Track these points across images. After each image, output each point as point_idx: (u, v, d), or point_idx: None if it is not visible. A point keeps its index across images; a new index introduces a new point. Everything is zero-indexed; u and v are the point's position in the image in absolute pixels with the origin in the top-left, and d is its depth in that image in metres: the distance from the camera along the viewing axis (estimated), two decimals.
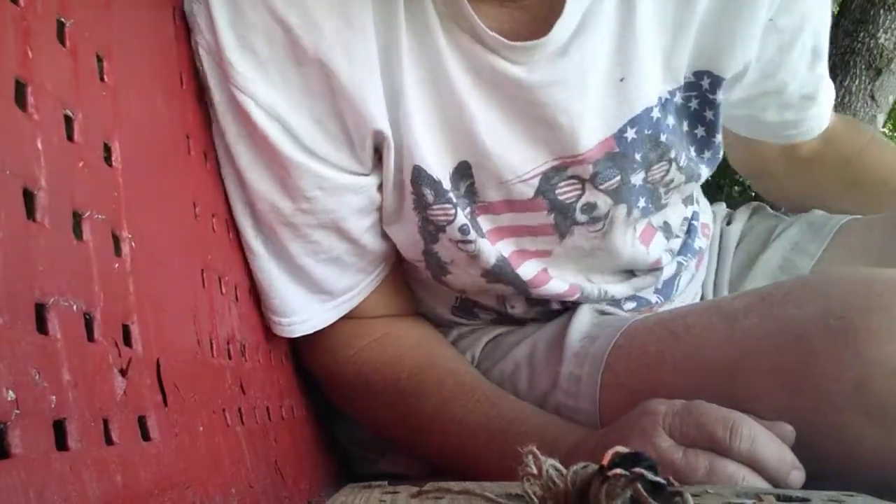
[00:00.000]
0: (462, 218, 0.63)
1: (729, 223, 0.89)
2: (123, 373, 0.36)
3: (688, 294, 0.80)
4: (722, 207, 0.92)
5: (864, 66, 2.35)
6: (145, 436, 0.37)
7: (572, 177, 0.63)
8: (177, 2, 0.54)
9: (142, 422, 0.37)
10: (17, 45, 0.31)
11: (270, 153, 0.57)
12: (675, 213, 0.73)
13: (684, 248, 0.76)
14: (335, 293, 0.67)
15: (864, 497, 0.38)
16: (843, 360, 0.49)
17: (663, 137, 0.64)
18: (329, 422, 0.82)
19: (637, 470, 0.26)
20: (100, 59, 0.39)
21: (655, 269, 0.72)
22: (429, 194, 0.61)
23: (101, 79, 0.39)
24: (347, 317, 0.70)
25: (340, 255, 0.64)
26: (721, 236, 0.88)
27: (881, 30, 2.36)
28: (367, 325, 0.71)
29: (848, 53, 2.37)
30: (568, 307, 0.71)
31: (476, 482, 0.42)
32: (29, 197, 0.30)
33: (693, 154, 0.69)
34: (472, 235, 0.63)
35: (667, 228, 0.73)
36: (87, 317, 0.34)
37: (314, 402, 0.79)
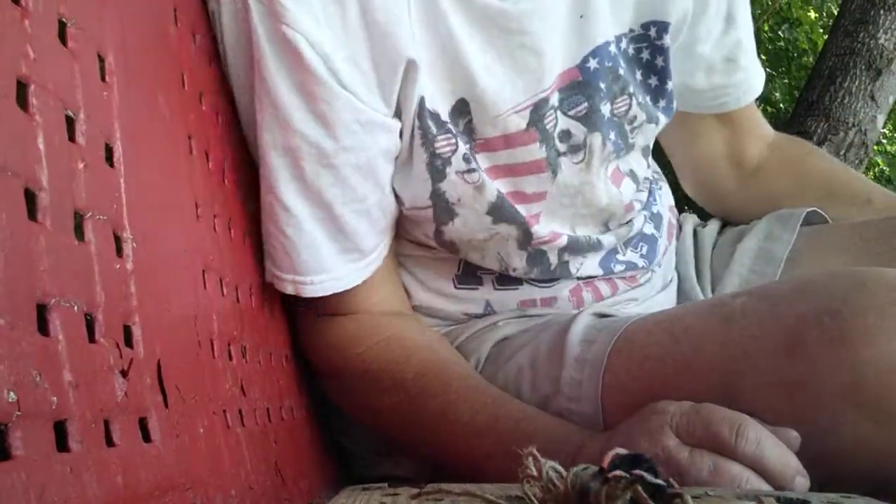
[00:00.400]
0: (463, 147, 0.67)
1: (703, 227, 0.94)
2: (124, 374, 0.36)
3: (668, 267, 0.85)
4: (694, 217, 0.95)
5: (864, 67, 2.35)
6: (146, 437, 0.37)
7: (548, 104, 0.69)
8: (178, 2, 0.54)
9: (143, 423, 0.37)
10: (18, 45, 0.31)
11: (316, 89, 0.60)
12: (639, 164, 0.79)
13: (649, 206, 0.81)
14: (364, 251, 0.69)
15: (865, 499, 0.38)
16: (837, 359, 0.49)
17: (621, 71, 0.72)
18: (329, 423, 0.82)
19: (637, 472, 0.26)
20: (101, 59, 0.38)
21: (628, 220, 0.78)
22: (432, 126, 0.65)
23: (103, 79, 0.39)
24: (357, 312, 0.70)
25: (370, 207, 0.67)
26: (696, 236, 0.91)
27: (881, 30, 2.36)
28: (376, 324, 0.71)
29: (848, 54, 2.37)
30: (561, 277, 0.75)
31: (476, 484, 0.42)
32: (30, 197, 0.30)
33: (649, 102, 0.75)
34: (475, 165, 0.67)
35: (633, 176, 0.78)
36: (89, 318, 0.34)
37: (314, 403, 0.79)
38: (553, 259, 0.75)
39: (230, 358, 0.54)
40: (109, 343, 0.35)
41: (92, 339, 0.34)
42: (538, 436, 0.59)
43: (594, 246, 0.76)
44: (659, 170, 0.90)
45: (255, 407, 0.57)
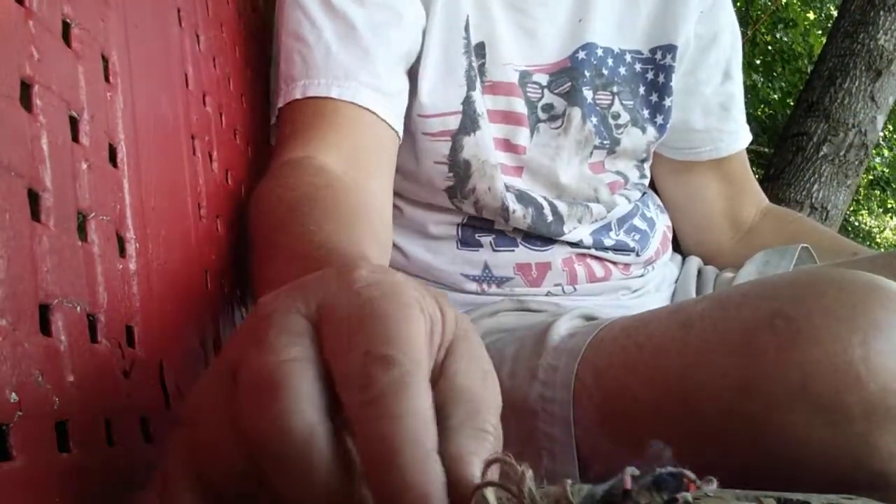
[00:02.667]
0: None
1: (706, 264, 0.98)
2: (126, 374, 0.36)
3: (666, 276, 0.90)
4: (699, 260, 0.98)
5: (863, 68, 2.35)
6: (147, 437, 0.37)
7: (536, 81, 0.79)
8: (181, 2, 0.54)
9: (144, 423, 0.37)
10: (22, 45, 0.31)
11: None
12: (630, 171, 0.87)
13: (640, 207, 0.88)
14: (381, 80, 0.69)
15: (864, 500, 0.39)
16: (787, 360, 0.50)
17: (605, 71, 0.82)
18: None
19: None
20: (105, 60, 0.38)
21: (605, 203, 0.84)
22: (473, 41, 0.75)
23: (107, 79, 0.39)
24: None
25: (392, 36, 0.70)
26: (699, 274, 0.95)
27: (881, 31, 2.36)
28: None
29: (847, 55, 2.37)
30: (555, 234, 0.80)
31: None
32: (34, 198, 0.30)
33: (647, 115, 0.85)
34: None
35: (622, 176, 0.86)
36: (91, 318, 0.34)
37: None
38: (549, 215, 0.79)
39: None
40: (111, 343, 0.35)
41: (94, 339, 0.34)
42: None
43: (589, 196, 0.82)
44: (661, 203, 0.96)
45: None
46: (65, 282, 0.32)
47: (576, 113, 0.80)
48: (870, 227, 6.65)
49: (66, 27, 0.35)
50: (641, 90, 0.85)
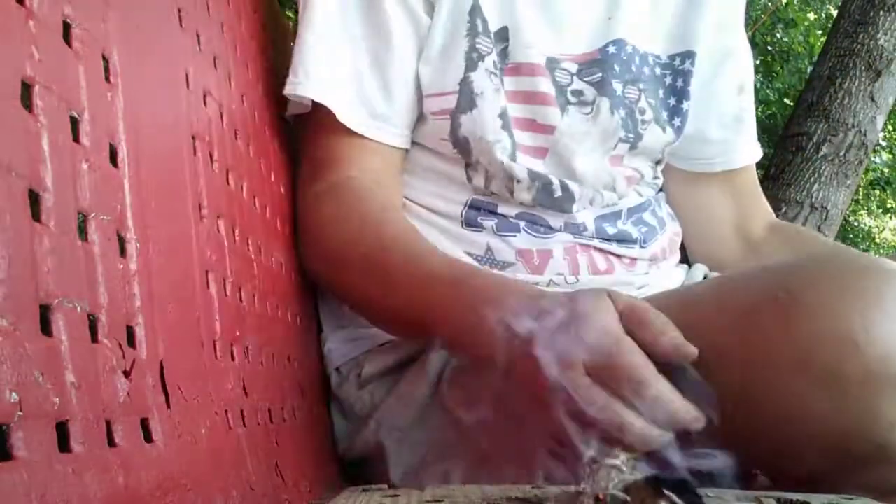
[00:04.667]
0: (495, 56, 0.79)
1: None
2: (127, 374, 0.36)
3: (672, 277, 0.91)
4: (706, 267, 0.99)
5: (863, 68, 2.35)
6: (148, 438, 0.37)
7: (564, 68, 0.83)
8: (182, 2, 0.54)
9: (144, 424, 0.37)
10: (22, 46, 0.31)
11: None
12: (647, 169, 0.89)
13: (652, 205, 0.91)
14: (376, 111, 0.79)
15: (864, 500, 0.39)
16: (789, 332, 0.52)
17: (633, 67, 0.85)
18: (330, 429, 0.82)
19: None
20: (105, 60, 0.38)
21: (620, 192, 0.86)
22: (480, 25, 0.79)
23: (107, 80, 0.39)
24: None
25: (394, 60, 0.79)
26: (705, 279, 0.96)
27: (881, 31, 2.36)
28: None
29: (847, 55, 2.37)
30: (564, 211, 0.82)
31: (477, 485, 0.42)
32: (34, 198, 0.30)
33: (665, 117, 0.88)
34: (498, 73, 0.79)
35: (639, 173, 0.88)
36: (91, 318, 0.34)
37: (316, 404, 0.79)
38: (558, 190, 0.82)
39: (232, 359, 0.54)
40: (112, 343, 0.35)
41: (94, 339, 0.34)
42: (488, 281, 0.66)
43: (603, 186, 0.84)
44: (672, 212, 0.97)
45: (256, 408, 0.57)
46: (65, 282, 0.32)
47: (605, 103, 0.82)
48: (869, 227, 6.65)
49: (66, 27, 0.35)
50: (661, 93, 0.88)
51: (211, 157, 0.57)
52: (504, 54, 0.80)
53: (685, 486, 0.28)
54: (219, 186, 0.58)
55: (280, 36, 0.93)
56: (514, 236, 0.82)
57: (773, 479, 0.61)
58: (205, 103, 0.57)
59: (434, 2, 0.79)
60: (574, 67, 0.83)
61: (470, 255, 0.82)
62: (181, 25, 0.54)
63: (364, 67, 0.78)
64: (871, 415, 0.51)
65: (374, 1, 0.77)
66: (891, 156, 5.38)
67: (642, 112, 0.86)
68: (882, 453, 0.51)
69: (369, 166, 0.79)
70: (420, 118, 0.82)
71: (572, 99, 0.82)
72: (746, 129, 0.95)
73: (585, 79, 0.83)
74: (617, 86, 0.83)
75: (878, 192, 5.68)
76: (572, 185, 0.82)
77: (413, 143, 0.83)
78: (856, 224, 6.32)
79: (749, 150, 0.96)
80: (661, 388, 0.52)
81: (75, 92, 0.35)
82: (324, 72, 0.77)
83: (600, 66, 0.83)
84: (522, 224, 0.82)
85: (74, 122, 0.34)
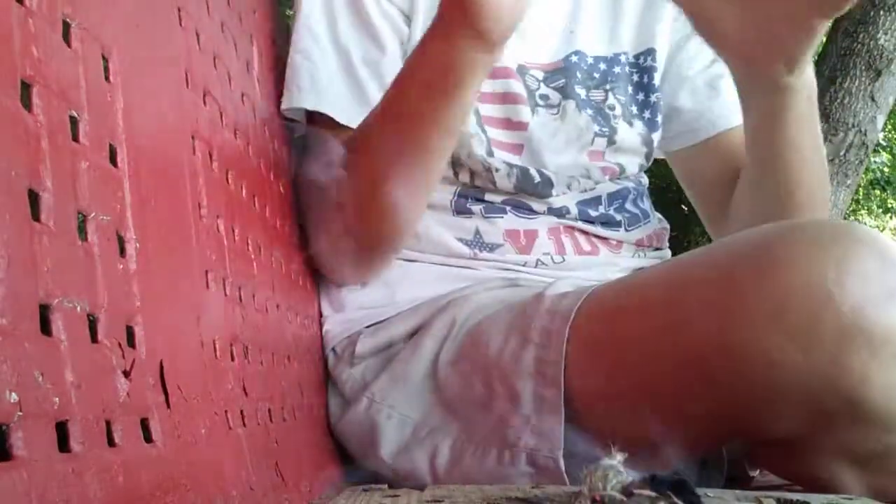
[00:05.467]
0: None
1: None
2: (126, 374, 0.36)
3: (660, 254, 0.93)
4: None
5: (863, 67, 2.35)
6: (147, 438, 0.37)
7: (532, 75, 0.88)
8: (182, 1, 0.54)
9: (144, 424, 0.37)
10: (22, 45, 0.31)
11: None
12: (631, 165, 0.91)
13: (635, 197, 0.92)
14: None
15: (864, 500, 0.39)
16: (765, 286, 0.53)
17: (596, 74, 0.90)
18: (337, 427, 0.82)
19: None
20: (105, 60, 0.38)
21: (595, 179, 0.89)
22: None
23: (107, 79, 0.39)
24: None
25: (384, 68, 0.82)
26: None
27: (881, 31, 2.36)
28: None
29: (848, 55, 2.37)
30: (543, 195, 0.85)
31: (476, 485, 0.42)
32: (34, 198, 0.30)
33: (635, 111, 0.92)
34: None
35: (622, 168, 0.91)
36: (91, 318, 0.34)
37: (316, 404, 0.79)
38: (537, 175, 0.85)
39: (232, 358, 0.54)
40: (112, 343, 0.35)
41: (94, 339, 0.34)
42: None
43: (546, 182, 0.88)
44: (663, 219, 0.99)
45: (256, 407, 0.57)
46: (65, 281, 0.31)
47: (570, 104, 0.88)
48: (869, 226, 6.65)
49: (66, 26, 0.35)
50: (630, 89, 0.93)
51: (211, 156, 0.57)
52: None
53: (684, 485, 0.28)
54: (218, 186, 0.58)
55: (280, 35, 0.93)
56: (501, 217, 0.85)
57: (754, 444, 0.62)
58: (204, 103, 0.57)
59: (410, 14, 0.83)
60: (541, 75, 0.88)
61: (460, 240, 0.85)
62: (181, 25, 0.54)
63: (358, 64, 0.81)
64: (843, 367, 0.52)
65: (362, 13, 0.81)
66: (891, 156, 5.38)
67: (612, 108, 0.91)
68: (853, 410, 0.52)
69: None
70: None
71: (540, 102, 0.88)
72: (723, 95, 0.94)
73: (551, 85, 0.89)
74: (580, 90, 0.89)
75: (878, 192, 5.68)
76: (548, 172, 0.86)
77: None
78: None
79: (734, 111, 0.92)
80: None
81: (75, 91, 0.35)
82: (315, 83, 0.80)
83: (563, 73, 0.89)
84: (509, 207, 0.86)
85: (74, 122, 0.34)
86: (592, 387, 0.66)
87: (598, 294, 0.69)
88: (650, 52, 0.93)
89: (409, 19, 0.83)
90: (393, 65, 0.81)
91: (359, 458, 0.81)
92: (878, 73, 2.35)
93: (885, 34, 2.36)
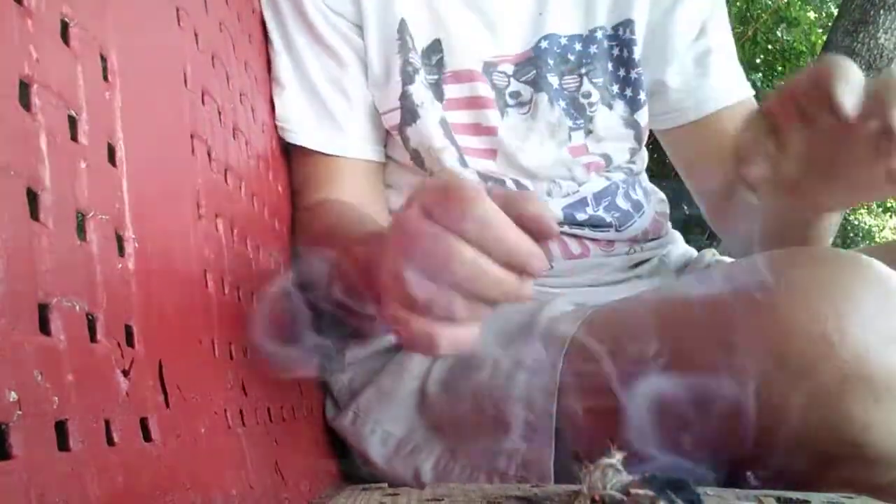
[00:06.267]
0: (425, 70, 0.83)
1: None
2: (126, 374, 0.36)
3: (651, 252, 0.91)
4: (714, 251, 0.98)
5: (864, 67, 2.35)
6: (147, 437, 0.37)
7: (501, 71, 0.84)
8: (180, 1, 0.54)
9: (143, 423, 0.37)
10: (21, 44, 0.31)
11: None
12: (618, 153, 0.88)
13: (627, 190, 0.90)
14: (341, 127, 0.82)
15: (864, 499, 0.39)
16: (766, 330, 0.53)
17: (571, 56, 0.86)
18: (332, 424, 0.82)
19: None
20: (103, 59, 0.38)
21: (578, 179, 0.87)
22: (409, 41, 0.81)
23: (105, 79, 0.39)
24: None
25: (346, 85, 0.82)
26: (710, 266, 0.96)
27: (881, 30, 2.36)
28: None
29: (848, 54, 2.36)
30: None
31: (476, 485, 0.42)
32: (33, 197, 0.30)
33: (616, 91, 0.88)
34: (432, 85, 0.83)
35: (608, 159, 0.88)
36: (90, 317, 0.34)
37: (315, 403, 0.79)
38: (508, 182, 0.84)
39: (231, 358, 0.54)
40: (111, 343, 0.35)
41: (93, 338, 0.34)
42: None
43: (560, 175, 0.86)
44: (654, 189, 0.97)
45: (255, 407, 0.57)
46: (64, 281, 0.32)
47: (542, 98, 0.84)
48: (869, 225, 6.65)
49: (64, 26, 0.35)
50: (610, 66, 0.88)
51: (209, 156, 0.57)
52: (441, 64, 0.83)
53: (683, 485, 0.28)
54: (217, 185, 0.58)
55: None
56: None
57: (760, 477, 0.62)
58: (203, 102, 0.57)
59: (360, 24, 0.81)
60: (510, 69, 0.85)
61: None
62: (179, 24, 0.54)
63: (320, 84, 0.82)
64: (846, 416, 0.51)
65: (314, 30, 0.81)
66: None
67: (587, 96, 0.87)
68: (858, 453, 0.52)
69: (346, 186, 0.82)
70: (388, 136, 0.85)
71: (510, 101, 0.85)
72: (714, 71, 0.89)
73: (521, 79, 0.85)
74: (553, 79, 0.85)
75: None
76: (525, 181, 0.84)
77: (389, 159, 0.86)
78: (856, 223, 6.32)
79: (724, 92, 0.90)
80: (491, 209, 0.42)
81: (74, 91, 0.35)
82: (286, 112, 0.81)
83: (534, 63, 0.85)
84: None
85: (73, 122, 0.34)
86: (586, 416, 0.65)
87: (595, 321, 0.67)
88: (628, 24, 0.88)
89: (360, 29, 0.82)
90: (355, 78, 0.82)
91: (355, 456, 0.81)
92: (879, 73, 2.34)
93: (886, 33, 2.36)
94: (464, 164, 0.82)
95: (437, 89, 0.83)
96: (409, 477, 0.72)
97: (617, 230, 0.86)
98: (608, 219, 0.86)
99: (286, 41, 0.82)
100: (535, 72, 0.85)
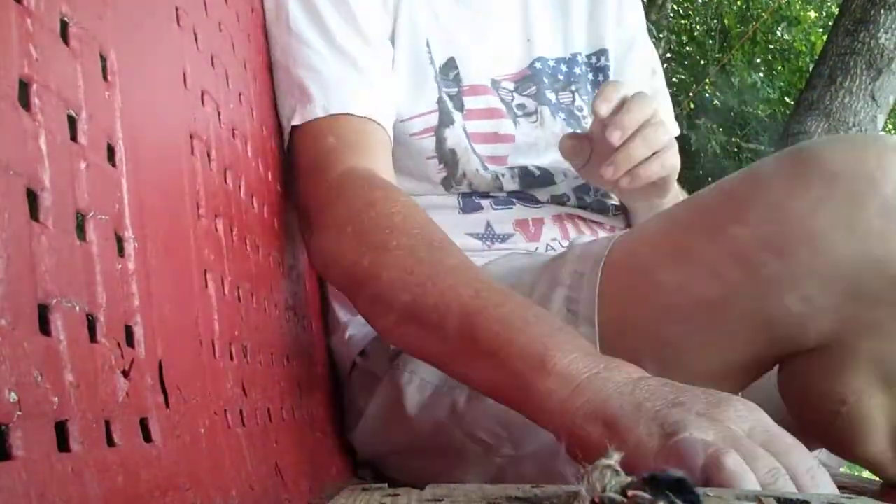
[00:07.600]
0: (444, 85, 0.89)
1: None
2: (126, 374, 0.36)
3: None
4: None
5: (864, 66, 2.35)
6: (147, 437, 0.37)
7: (505, 87, 0.93)
8: (179, 1, 0.54)
9: (143, 423, 0.37)
10: (20, 44, 0.31)
11: None
12: None
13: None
14: (372, 82, 0.82)
15: (864, 499, 0.39)
16: (806, 179, 0.56)
17: (560, 76, 0.97)
18: (338, 422, 0.82)
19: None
20: (103, 59, 0.38)
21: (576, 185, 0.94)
22: (431, 56, 0.89)
23: (105, 78, 0.39)
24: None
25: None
26: None
27: (881, 30, 2.36)
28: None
29: (848, 54, 2.37)
30: (545, 184, 0.91)
31: (476, 485, 0.42)
32: (32, 197, 0.30)
33: None
34: (453, 97, 0.89)
35: None
36: (90, 318, 0.34)
37: (315, 403, 0.79)
38: (535, 170, 0.91)
39: (231, 358, 0.54)
40: (111, 343, 0.35)
41: (93, 339, 0.34)
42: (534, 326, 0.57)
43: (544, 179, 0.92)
44: None
45: (255, 407, 0.57)
46: (64, 281, 0.31)
47: (545, 110, 0.93)
48: None
49: (64, 26, 0.35)
50: (589, 88, 0.99)
51: (209, 156, 0.57)
52: (458, 79, 0.90)
53: (683, 485, 0.28)
54: (217, 185, 0.58)
55: None
56: (510, 208, 0.89)
57: (783, 366, 0.63)
58: (202, 102, 0.57)
59: (394, 36, 0.86)
60: (511, 86, 0.93)
61: (471, 234, 0.87)
62: (179, 24, 0.54)
63: (360, 56, 0.81)
64: (888, 244, 0.54)
65: (348, 7, 0.81)
66: None
67: (580, 109, 0.97)
68: (893, 290, 0.54)
69: (378, 156, 0.79)
70: (399, 144, 0.85)
71: (518, 112, 0.92)
72: (661, 109, 0.96)
73: (524, 93, 0.94)
74: (550, 95, 0.94)
75: None
76: (544, 165, 0.91)
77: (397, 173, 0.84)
78: None
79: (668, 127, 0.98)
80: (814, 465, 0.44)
81: (73, 91, 0.35)
82: (325, 90, 0.79)
83: (532, 80, 0.94)
84: (515, 199, 0.90)
85: (72, 121, 0.34)
86: (628, 324, 0.66)
87: (627, 237, 0.71)
88: (603, 52, 0.99)
89: (392, 38, 0.85)
90: (384, 65, 0.84)
91: (381, 436, 0.81)
92: (879, 72, 2.35)
93: (886, 33, 2.36)
94: (485, 167, 0.88)
95: (457, 101, 0.89)
96: (445, 411, 0.74)
97: (614, 214, 0.95)
98: (608, 203, 0.94)
99: (318, 23, 0.80)
100: (535, 87, 0.94)
